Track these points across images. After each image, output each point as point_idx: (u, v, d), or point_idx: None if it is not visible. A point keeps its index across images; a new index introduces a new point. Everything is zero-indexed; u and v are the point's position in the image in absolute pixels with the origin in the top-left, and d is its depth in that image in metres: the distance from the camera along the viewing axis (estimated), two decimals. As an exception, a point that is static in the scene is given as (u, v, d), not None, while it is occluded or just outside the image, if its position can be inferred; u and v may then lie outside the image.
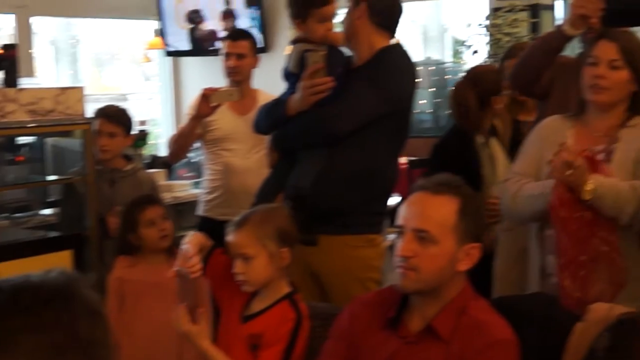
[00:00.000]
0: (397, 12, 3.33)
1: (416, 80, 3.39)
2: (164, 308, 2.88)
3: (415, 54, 9.22)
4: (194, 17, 7.31)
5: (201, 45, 7.36)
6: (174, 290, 2.60)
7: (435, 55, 8.30)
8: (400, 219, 2.16)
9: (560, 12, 6.86)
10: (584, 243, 2.65)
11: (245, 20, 7.19)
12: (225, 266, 2.61)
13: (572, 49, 3.83)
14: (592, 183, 2.61)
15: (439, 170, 2.28)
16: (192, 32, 7.36)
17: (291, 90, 3.33)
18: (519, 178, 2.89)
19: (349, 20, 3.28)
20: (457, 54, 8.69)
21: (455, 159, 3.50)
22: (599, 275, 2.65)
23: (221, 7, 7.20)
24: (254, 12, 7.20)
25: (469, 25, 7.42)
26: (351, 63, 3.33)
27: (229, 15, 7.16)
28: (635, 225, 2.58)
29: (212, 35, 7.26)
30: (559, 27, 3.05)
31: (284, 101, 3.34)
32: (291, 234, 2.60)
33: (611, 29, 2.84)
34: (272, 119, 3.38)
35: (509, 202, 2.88)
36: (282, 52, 7.10)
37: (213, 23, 7.27)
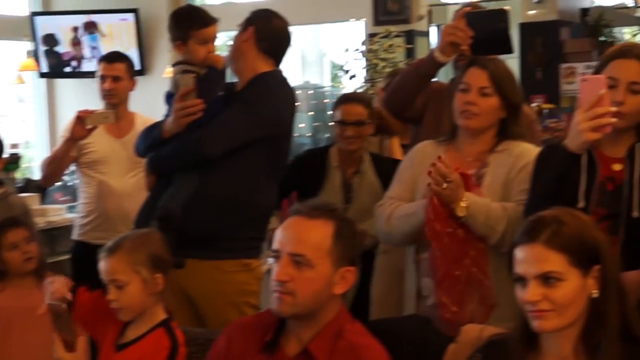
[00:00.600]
0: (284, 41, 3.35)
1: (294, 105, 3.41)
2: (38, 332, 2.80)
3: (294, 78, 9.31)
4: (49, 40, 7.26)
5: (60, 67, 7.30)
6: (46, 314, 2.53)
7: (314, 80, 8.38)
8: (275, 244, 2.16)
9: (435, 38, 7.05)
10: (458, 259, 2.72)
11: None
12: (93, 301, 2.56)
13: (447, 74, 3.94)
14: (466, 200, 2.68)
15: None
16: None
17: (169, 111, 3.30)
18: (393, 202, 2.94)
19: (236, 43, 3.29)
20: (335, 78, 8.79)
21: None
22: (471, 295, 2.72)
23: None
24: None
25: (347, 50, 7.53)
26: (234, 87, 3.32)
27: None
28: (503, 245, 2.66)
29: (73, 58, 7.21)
30: (431, 53, 3.12)
31: (160, 123, 3.31)
32: (165, 259, 2.56)
33: (481, 56, 2.93)
34: (149, 142, 3.34)
35: (384, 225, 2.92)
36: (160, 75, 7.06)
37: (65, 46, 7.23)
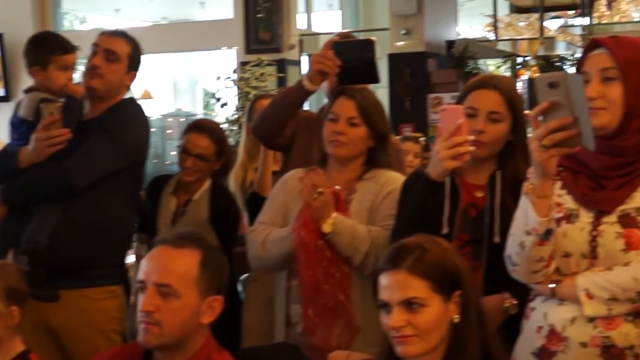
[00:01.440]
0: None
1: (150, 132, 3.41)
2: None
3: (166, 106, 9.23)
4: None
5: None
6: None
7: (186, 107, 8.33)
8: (141, 274, 2.13)
9: (306, 67, 7.11)
10: (324, 276, 2.75)
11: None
12: None
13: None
14: (334, 218, 2.73)
15: None
16: None
17: (20, 140, 3.19)
18: (266, 227, 2.94)
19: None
20: (207, 105, 8.78)
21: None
22: (337, 318, 2.75)
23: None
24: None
25: (218, 78, 7.52)
26: (83, 114, 3.27)
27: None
28: (366, 267, 2.71)
29: None
30: (300, 81, 3.15)
31: (14, 152, 3.19)
32: (21, 291, 2.49)
33: (350, 87, 2.97)
34: (2, 171, 3.23)
35: (258, 250, 2.92)
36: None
37: None
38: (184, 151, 3.61)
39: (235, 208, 3.79)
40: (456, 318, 1.95)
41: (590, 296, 2.04)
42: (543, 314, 2.15)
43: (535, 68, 7.81)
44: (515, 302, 2.42)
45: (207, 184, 3.63)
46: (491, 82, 2.56)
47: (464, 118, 2.34)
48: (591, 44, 2.15)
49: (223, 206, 3.60)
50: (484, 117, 2.50)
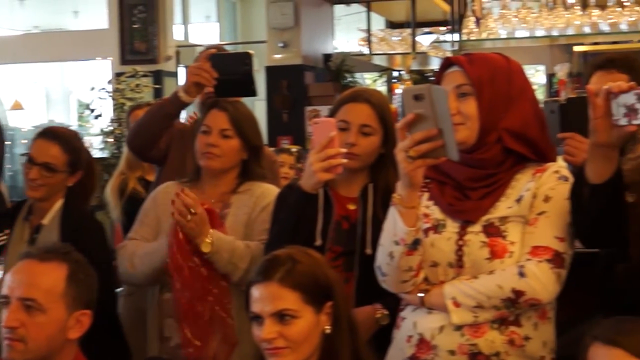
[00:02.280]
0: None
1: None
2: None
3: (38, 117, 8.97)
4: None
5: None
6: None
7: (60, 118, 8.12)
8: (5, 288, 2.06)
9: (183, 79, 7.06)
10: (200, 296, 2.72)
11: None
12: None
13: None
14: (212, 236, 2.70)
15: None
16: None
17: None
18: (135, 242, 2.90)
19: None
20: (82, 117, 8.58)
21: None
22: (215, 333, 2.72)
23: None
24: None
25: (93, 89, 7.38)
26: None
27: None
28: (245, 283, 2.70)
29: None
30: (175, 93, 3.12)
31: None
32: None
33: (222, 99, 2.96)
34: None
35: (127, 265, 2.87)
36: None
37: None
38: (28, 160, 3.01)
39: (91, 225, 3.13)
40: (328, 329, 1.96)
41: (457, 304, 2.09)
42: (413, 323, 2.18)
43: (409, 82, 7.99)
44: (386, 312, 2.46)
45: (58, 205, 3.04)
46: (362, 96, 2.60)
47: (337, 131, 2.37)
48: (446, 63, 2.22)
49: (74, 227, 3.01)
50: (356, 130, 2.54)
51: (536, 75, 10.37)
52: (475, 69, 2.14)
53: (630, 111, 1.83)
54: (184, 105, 3.10)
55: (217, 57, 3.06)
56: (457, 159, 1.98)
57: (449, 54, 6.06)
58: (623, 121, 1.85)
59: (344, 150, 2.37)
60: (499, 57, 2.22)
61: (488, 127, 2.14)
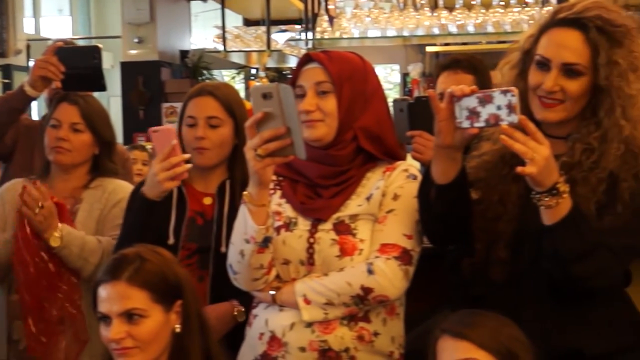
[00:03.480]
0: None
1: None
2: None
3: None
4: None
5: None
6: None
7: None
8: None
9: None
10: (48, 292, 2.66)
11: None
12: None
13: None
14: (61, 230, 2.64)
15: None
16: None
17: None
18: None
19: None
20: None
21: None
22: (65, 331, 2.67)
23: None
24: None
25: None
26: None
27: None
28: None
29: None
30: (21, 87, 3.03)
31: None
32: None
33: (72, 93, 2.90)
34: None
35: None
36: None
37: None
38: None
39: None
40: (178, 328, 1.95)
41: (307, 301, 2.11)
42: (264, 321, 2.19)
43: (265, 79, 7.99)
44: (243, 309, 2.46)
45: None
46: (206, 89, 2.60)
47: (177, 139, 2.38)
48: (305, 58, 2.23)
49: None
50: (203, 123, 2.53)
51: (391, 75, 10.58)
52: (334, 66, 2.16)
53: (473, 114, 1.89)
54: (30, 99, 3.03)
55: (64, 51, 3.00)
56: (305, 158, 1.99)
57: (304, 52, 6.11)
58: (466, 124, 1.91)
59: (187, 156, 2.37)
60: (355, 57, 2.25)
61: (346, 125, 2.16)
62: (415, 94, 8.05)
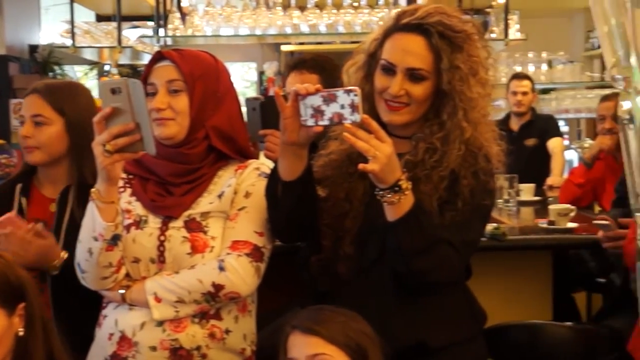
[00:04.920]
0: None
1: None
2: None
3: None
4: None
5: None
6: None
7: None
8: None
9: None
10: None
11: None
12: None
13: None
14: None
15: None
16: None
17: None
18: None
19: None
20: None
21: None
22: None
23: None
24: None
25: None
26: None
27: None
28: None
29: None
30: None
31: None
32: None
33: None
34: None
35: None
36: None
37: None
38: None
39: None
40: (21, 331, 1.90)
41: (158, 300, 2.10)
42: (114, 321, 2.17)
43: (117, 77, 7.83)
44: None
45: None
46: (35, 88, 2.52)
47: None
48: (156, 56, 2.22)
49: None
50: (29, 121, 2.47)
51: (248, 73, 10.58)
52: (187, 65, 2.16)
53: (317, 112, 1.93)
54: None
55: None
56: (154, 154, 1.99)
57: (157, 49, 6.03)
58: (310, 122, 1.95)
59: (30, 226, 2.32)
60: (208, 56, 2.25)
61: (197, 123, 2.17)
62: (271, 92, 8.09)
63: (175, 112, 2.15)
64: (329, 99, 1.91)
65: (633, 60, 1.37)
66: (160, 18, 5.97)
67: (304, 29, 5.81)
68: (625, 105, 1.41)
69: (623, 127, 1.42)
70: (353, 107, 1.89)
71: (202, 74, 2.17)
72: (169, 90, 2.16)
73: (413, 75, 2.07)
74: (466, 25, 2.11)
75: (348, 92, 1.89)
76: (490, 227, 3.29)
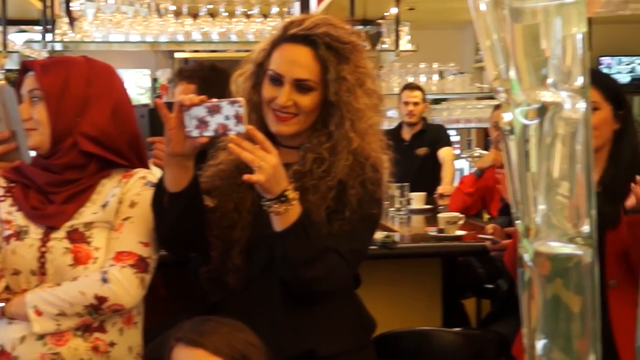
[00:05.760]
0: None
1: None
2: None
3: None
4: None
5: None
6: None
7: None
8: None
9: None
10: None
11: None
12: None
13: None
14: None
15: None
16: None
17: None
18: None
19: None
20: None
21: None
22: None
23: None
24: None
25: None
26: None
27: None
28: None
29: None
30: None
31: None
32: None
33: None
34: None
35: None
36: None
37: None
38: None
39: None
40: None
41: (39, 313, 2.04)
42: (-6, 335, 2.10)
43: (3, 81, 7.61)
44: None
45: None
46: None
47: None
48: (23, 67, 2.18)
49: None
50: None
51: (142, 80, 10.45)
52: (46, 74, 2.12)
53: (202, 123, 1.91)
54: None
55: None
56: (30, 162, 1.94)
57: (45, 54, 5.88)
58: (195, 133, 1.93)
59: None
60: (81, 60, 2.20)
61: (61, 132, 2.12)
62: (164, 99, 7.98)
63: (36, 122, 2.12)
64: (214, 110, 1.90)
65: (512, 73, 1.40)
66: (47, 22, 5.82)
67: (196, 36, 5.76)
68: (507, 117, 1.43)
69: (504, 137, 1.45)
70: (238, 118, 1.88)
71: (64, 81, 2.12)
72: (31, 100, 2.12)
73: (300, 86, 2.07)
74: (353, 36, 2.12)
75: (232, 103, 1.89)
76: (381, 235, 3.32)
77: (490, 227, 3.17)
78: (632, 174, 2.42)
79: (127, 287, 2.07)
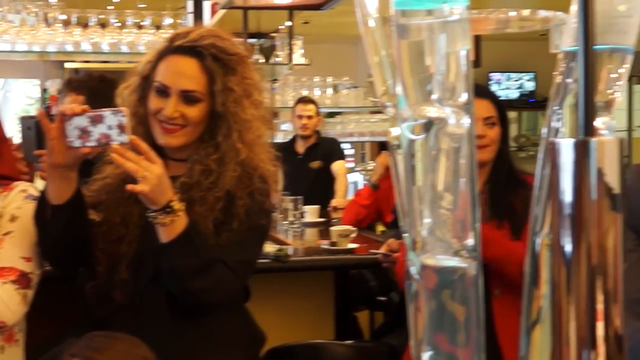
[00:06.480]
0: None
1: None
2: None
3: None
4: None
5: None
6: None
7: None
8: None
9: None
10: None
11: None
12: None
13: None
14: None
15: None
16: None
17: None
18: None
19: None
20: None
21: None
22: None
23: None
24: None
25: None
26: None
27: None
28: None
29: None
30: None
31: None
32: None
33: None
34: None
35: None
36: None
37: None
38: None
39: None
40: None
41: None
42: None
43: None
44: None
45: None
46: None
47: None
48: None
49: None
50: None
51: (31, 90, 10.21)
52: None
53: (84, 133, 1.88)
54: None
55: None
56: None
57: None
58: (77, 143, 1.90)
59: None
60: None
61: None
62: (53, 110, 7.80)
63: None
64: (96, 120, 1.87)
65: (399, 89, 1.42)
66: None
67: (86, 47, 5.64)
68: (394, 131, 1.45)
69: (392, 152, 1.47)
70: (121, 128, 1.86)
71: None
72: None
73: (187, 97, 2.06)
74: (239, 47, 2.13)
75: (115, 112, 1.87)
76: (273, 248, 3.31)
77: (386, 246, 3.21)
78: (511, 187, 2.52)
79: (8, 304, 2.01)
